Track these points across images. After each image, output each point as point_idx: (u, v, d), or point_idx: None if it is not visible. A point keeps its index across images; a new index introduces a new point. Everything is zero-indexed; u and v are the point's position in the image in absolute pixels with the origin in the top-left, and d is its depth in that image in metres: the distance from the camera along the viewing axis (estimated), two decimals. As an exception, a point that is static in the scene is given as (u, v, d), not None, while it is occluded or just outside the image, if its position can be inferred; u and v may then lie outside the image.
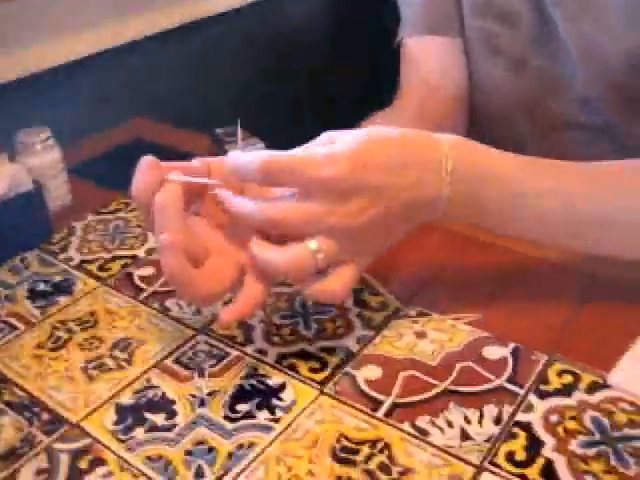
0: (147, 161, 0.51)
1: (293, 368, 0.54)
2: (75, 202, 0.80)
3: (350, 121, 0.69)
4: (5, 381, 0.55)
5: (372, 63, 1.50)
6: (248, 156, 0.48)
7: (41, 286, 0.67)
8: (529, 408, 0.49)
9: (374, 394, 0.52)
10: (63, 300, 0.64)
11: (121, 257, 0.70)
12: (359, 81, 1.60)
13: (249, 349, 0.57)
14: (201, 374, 0.55)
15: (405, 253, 0.64)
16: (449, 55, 0.76)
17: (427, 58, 0.76)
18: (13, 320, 0.62)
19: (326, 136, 0.51)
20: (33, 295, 0.65)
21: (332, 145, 0.49)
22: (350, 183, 0.47)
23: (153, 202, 0.50)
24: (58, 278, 0.68)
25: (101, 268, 0.69)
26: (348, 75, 1.57)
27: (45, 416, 0.52)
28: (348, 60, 1.57)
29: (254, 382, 0.53)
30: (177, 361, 0.56)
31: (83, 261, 0.70)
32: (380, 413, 0.50)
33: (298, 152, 0.49)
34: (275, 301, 0.62)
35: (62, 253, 0.71)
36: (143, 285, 0.66)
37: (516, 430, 0.48)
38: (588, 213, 0.53)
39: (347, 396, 0.52)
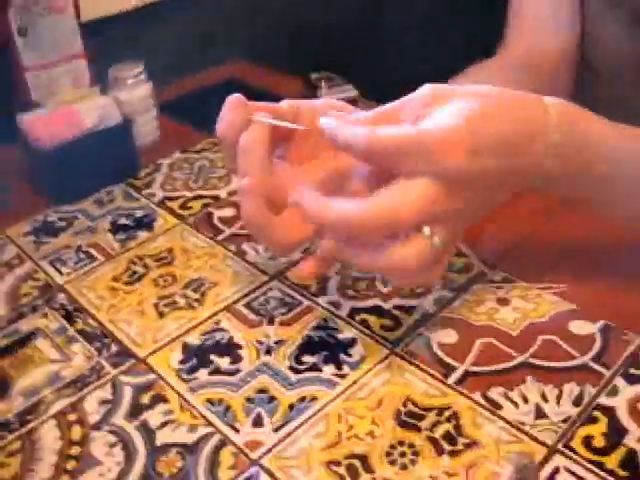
0: (234, 99, 0.49)
1: (365, 324, 0.52)
2: (163, 139, 0.80)
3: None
4: (80, 310, 0.56)
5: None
6: (351, 130, 0.43)
7: (123, 220, 0.67)
8: (614, 392, 0.46)
9: (447, 359, 0.49)
10: (143, 235, 0.64)
11: (203, 197, 0.70)
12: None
13: (322, 300, 0.55)
14: (270, 321, 0.53)
15: (495, 215, 0.60)
16: (564, 3, 0.70)
17: (541, 4, 0.70)
18: (93, 251, 0.63)
19: (428, 93, 0.45)
20: (114, 228, 0.66)
21: (441, 124, 0.42)
22: (465, 173, 0.42)
23: (238, 142, 0.48)
24: (140, 213, 0.68)
25: (182, 206, 0.68)
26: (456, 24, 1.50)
27: (114, 348, 0.52)
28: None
29: (323, 334, 0.52)
30: (248, 306, 0.55)
31: (166, 198, 0.70)
32: (451, 380, 0.47)
33: (404, 129, 0.42)
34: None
35: (146, 189, 0.71)
36: (222, 226, 0.65)
37: (597, 414, 0.44)
38: None
39: (418, 359, 0.49)
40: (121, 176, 0.73)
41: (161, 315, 0.55)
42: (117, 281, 0.59)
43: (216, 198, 0.69)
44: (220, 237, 0.63)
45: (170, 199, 0.70)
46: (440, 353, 0.49)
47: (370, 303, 0.54)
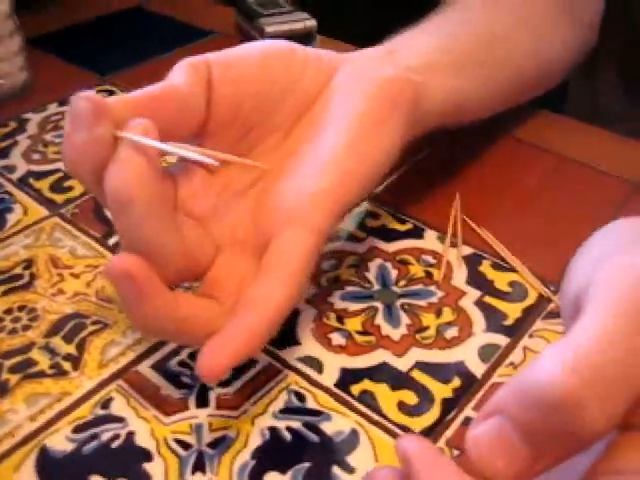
0: (85, 103, 0.25)
1: (369, 401, 0.30)
2: (35, 84, 0.55)
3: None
4: None
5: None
6: None
7: (-44, 210, 0.42)
8: None
9: None
10: (-14, 236, 0.40)
11: (90, 172, 0.45)
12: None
13: (294, 353, 0.32)
14: (202, 398, 0.30)
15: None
16: None
17: None
18: None
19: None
20: (-58, 224, 0.41)
21: None
22: None
23: (103, 179, 0.26)
24: (-14, 199, 0.43)
25: (55, 187, 0.44)
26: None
27: None
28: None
29: (298, 425, 0.29)
30: (159, 367, 0.32)
31: (30, 174, 0.45)
32: None
33: None
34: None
35: (0, 159, 0.46)
36: (119, 220, 0.41)
37: None
38: None
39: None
40: (-39, 139, 0.47)
41: (4, 390, 0.31)
42: None
43: (110, 174, 0.45)
44: (115, 238, 0.39)
45: (37, 176, 0.45)
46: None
47: (376, 357, 0.32)
